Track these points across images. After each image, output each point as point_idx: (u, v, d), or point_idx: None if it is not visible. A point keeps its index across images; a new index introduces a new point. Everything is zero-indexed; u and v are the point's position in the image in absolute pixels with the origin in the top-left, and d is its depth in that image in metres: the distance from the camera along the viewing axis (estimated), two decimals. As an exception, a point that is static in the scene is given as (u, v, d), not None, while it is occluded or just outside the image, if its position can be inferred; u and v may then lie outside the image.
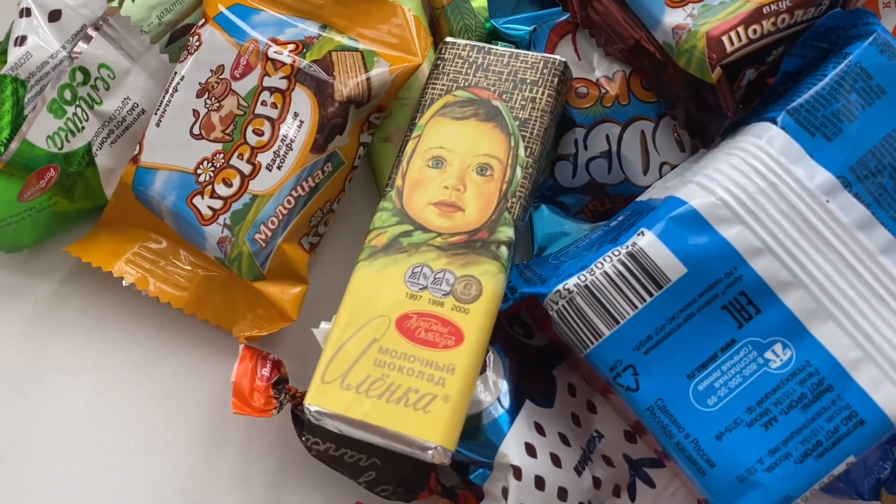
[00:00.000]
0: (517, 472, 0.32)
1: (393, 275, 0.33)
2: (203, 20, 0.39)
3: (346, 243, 0.42)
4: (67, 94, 0.38)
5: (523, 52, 0.36)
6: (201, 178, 0.38)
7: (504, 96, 0.35)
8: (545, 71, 0.35)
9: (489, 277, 0.32)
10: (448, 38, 0.37)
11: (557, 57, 0.36)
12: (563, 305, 0.31)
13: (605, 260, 0.31)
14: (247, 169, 0.37)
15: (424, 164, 0.34)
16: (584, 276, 0.31)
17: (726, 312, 0.31)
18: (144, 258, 0.40)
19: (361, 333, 0.32)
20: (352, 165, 0.39)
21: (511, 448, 0.33)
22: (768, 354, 0.30)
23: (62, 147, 0.38)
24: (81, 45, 0.38)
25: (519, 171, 0.34)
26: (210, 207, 0.37)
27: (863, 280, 0.31)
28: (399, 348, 0.31)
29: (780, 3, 0.33)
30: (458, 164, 0.34)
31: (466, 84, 0.36)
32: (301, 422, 0.36)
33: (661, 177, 0.38)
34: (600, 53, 0.38)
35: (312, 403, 0.31)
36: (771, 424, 0.30)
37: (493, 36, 0.40)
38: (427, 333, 0.32)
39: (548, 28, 0.38)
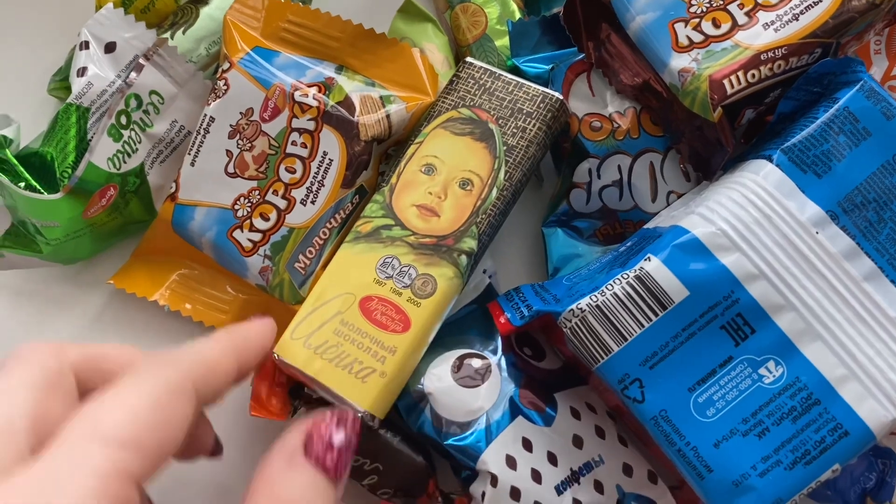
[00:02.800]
0: (494, 480, 0.34)
1: (368, 260, 0.36)
2: (228, 64, 0.40)
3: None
4: (123, 119, 0.41)
5: (528, 83, 0.38)
6: (239, 213, 0.40)
7: (500, 121, 0.38)
8: (541, 105, 0.38)
9: (445, 280, 0.35)
10: (468, 59, 0.39)
11: (556, 94, 0.38)
12: (576, 323, 0.34)
13: (614, 282, 0.34)
14: (282, 204, 0.40)
15: (418, 168, 0.37)
16: (596, 296, 0.34)
17: (724, 332, 0.33)
18: (184, 285, 0.42)
19: (330, 304, 0.35)
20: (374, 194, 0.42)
21: (492, 457, 0.35)
22: (762, 371, 0.33)
23: (120, 168, 0.41)
24: (134, 75, 0.41)
25: (495, 191, 0.37)
26: (250, 240, 0.40)
27: (848, 304, 0.33)
28: (357, 323, 0.35)
29: (776, 50, 0.35)
30: (445, 175, 0.37)
31: (472, 104, 0.38)
32: None
33: (667, 205, 0.40)
34: (612, 91, 0.40)
35: (278, 353, 0.35)
36: (764, 434, 0.32)
37: (514, 73, 0.42)
38: (382, 316, 0.35)
39: (565, 67, 0.40)
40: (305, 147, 0.40)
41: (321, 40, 0.42)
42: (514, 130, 0.37)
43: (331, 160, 0.39)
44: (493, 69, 0.39)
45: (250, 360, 0.29)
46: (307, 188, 0.40)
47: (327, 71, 0.41)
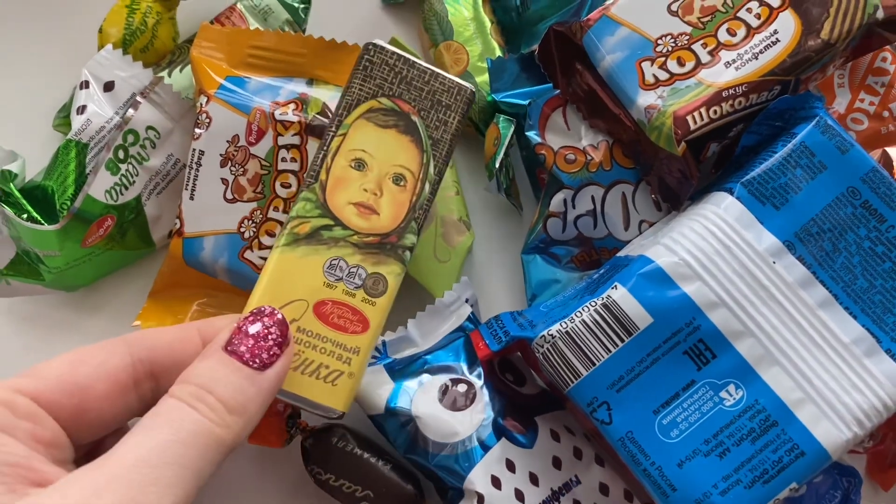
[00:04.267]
0: (480, 499, 0.36)
1: (313, 263, 0.36)
2: (205, 98, 0.42)
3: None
4: (121, 154, 0.42)
5: (442, 73, 0.38)
6: (246, 235, 0.42)
7: (422, 113, 0.37)
8: (458, 97, 0.37)
9: (394, 277, 0.36)
10: (376, 41, 0.37)
11: (469, 86, 0.38)
12: (548, 349, 0.35)
13: (583, 309, 0.35)
14: (285, 218, 0.41)
15: (347, 163, 0.37)
16: (566, 322, 0.35)
17: (687, 357, 0.34)
18: (205, 313, 0.44)
19: (282, 313, 0.35)
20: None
21: (479, 477, 0.36)
22: (723, 394, 0.34)
23: (117, 199, 0.43)
24: (131, 111, 0.43)
25: (427, 186, 0.37)
26: (261, 258, 0.42)
27: (804, 331, 0.34)
28: (315, 329, 0.35)
29: (737, 88, 0.37)
30: (377, 170, 0.37)
31: (391, 93, 0.37)
32: (309, 453, 0.40)
33: (639, 233, 0.42)
34: (586, 125, 0.42)
35: None
36: (725, 454, 0.34)
37: (494, 108, 0.44)
38: (339, 319, 0.35)
39: (541, 102, 0.42)
40: (295, 161, 0.42)
41: (286, 59, 0.43)
42: (437, 123, 0.37)
43: None
44: (406, 55, 0.37)
45: (210, 333, 0.32)
46: None
47: (299, 87, 0.43)
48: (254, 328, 0.31)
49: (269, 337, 0.31)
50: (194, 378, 0.29)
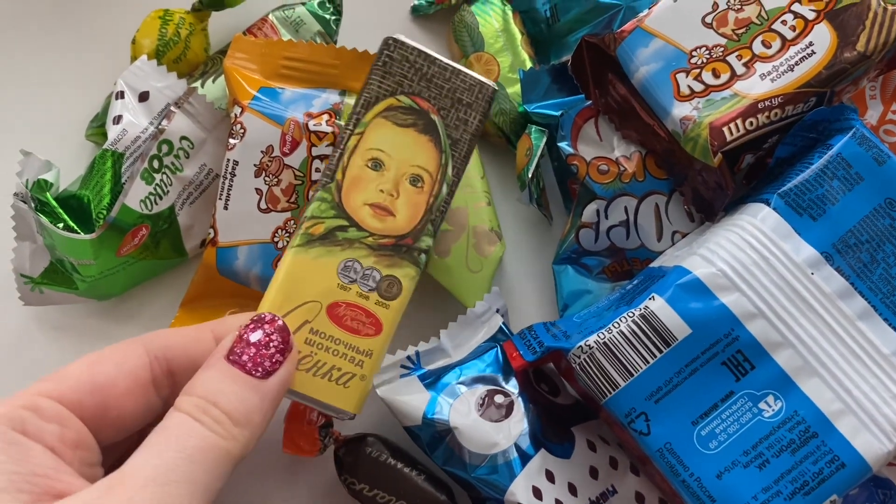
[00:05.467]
0: None
1: (327, 265, 0.35)
2: (239, 109, 0.42)
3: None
4: (155, 164, 0.43)
5: (464, 70, 0.36)
6: (280, 245, 0.42)
7: (442, 112, 0.36)
8: (479, 96, 0.36)
9: (409, 280, 0.36)
10: (398, 36, 0.36)
11: (491, 84, 0.37)
12: (585, 359, 0.36)
13: (621, 320, 0.35)
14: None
15: (364, 163, 0.36)
16: (604, 333, 0.35)
17: (725, 368, 0.34)
18: None
19: (295, 314, 0.35)
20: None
21: (520, 488, 0.36)
22: (762, 405, 0.34)
23: (152, 209, 0.43)
24: (166, 122, 0.43)
25: (445, 188, 0.36)
26: None
27: (843, 342, 0.34)
28: (328, 331, 0.34)
29: (773, 99, 0.37)
30: (394, 171, 0.36)
31: (410, 91, 0.36)
32: (342, 463, 0.40)
33: (672, 244, 0.42)
34: (619, 136, 0.42)
35: None
36: (764, 466, 0.34)
37: (526, 119, 0.45)
38: (352, 322, 0.35)
39: (573, 113, 0.43)
40: None
41: (319, 70, 0.44)
42: (457, 123, 0.36)
43: None
44: (427, 51, 0.36)
45: (223, 332, 0.33)
46: None
47: (332, 97, 0.43)
48: (255, 336, 0.31)
49: (271, 344, 0.31)
50: (198, 389, 0.29)
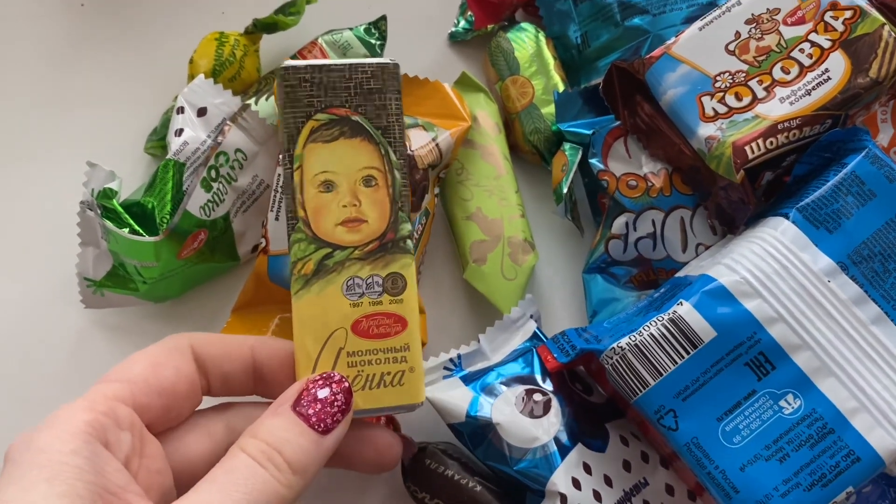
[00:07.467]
0: (563, 499, 0.38)
1: (332, 293, 0.36)
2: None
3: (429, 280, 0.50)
4: (213, 174, 0.46)
5: (357, 61, 0.36)
6: None
7: (360, 109, 0.36)
8: (385, 77, 0.36)
9: (406, 269, 0.36)
10: (285, 63, 0.36)
11: (389, 61, 0.37)
12: (617, 360, 0.38)
13: (651, 324, 0.38)
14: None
15: (316, 190, 0.36)
16: (634, 336, 0.38)
17: (748, 368, 0.37)
18: (285, 329, 0.46)
19: (327, 348, 0.35)
20: (433, 214, 0.46)
21: (560, 478, 0.38)
22: (782, 403, 0.36)
23: (210, 215, 0.46)
24: (221, 136, 0.46)
25: (397, 173, 0.36)
26: None
27: (858, 345, 0.37)
28: (362, 347, 0.36)
29: (791, 121, 0.40)
30: (346, 183, 0.36)
31: (322, 106, 0.36)
32: (406, 470, 0.42)
33: (696, 255, 0.44)
34: (647, 154, 0.45)
35: None
36: (784, 459, 0.36)
37: (559, 137, 0.48)
38: (378, 329, 0.36)
39: (604, 132, 0.46)
40: None
41: None
42: (377, 112, 0.36)
43: None
44: (317, 62, 0.36)
45: (262, 353, 0.36)
46: None
47: None
48: (322, 393, 0.33)
49: (335, 403, 0.33)
50: (265, 434, 0.31)
